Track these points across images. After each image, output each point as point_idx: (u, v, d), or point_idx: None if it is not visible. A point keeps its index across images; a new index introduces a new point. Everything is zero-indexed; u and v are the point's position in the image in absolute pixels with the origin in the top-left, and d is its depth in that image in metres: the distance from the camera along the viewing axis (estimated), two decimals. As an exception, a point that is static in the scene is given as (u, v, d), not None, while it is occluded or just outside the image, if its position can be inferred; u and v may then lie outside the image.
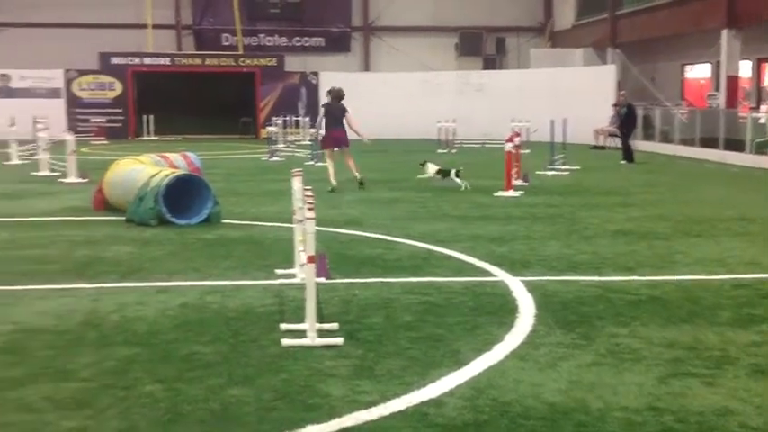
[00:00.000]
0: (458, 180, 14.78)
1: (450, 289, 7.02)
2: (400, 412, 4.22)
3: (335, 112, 14.71)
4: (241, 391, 4.51)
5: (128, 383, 4.62)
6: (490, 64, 37.64)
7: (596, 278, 7.44)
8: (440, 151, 25.35)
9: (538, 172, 17.47)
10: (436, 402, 4.37)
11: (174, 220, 10.53)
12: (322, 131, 15.07)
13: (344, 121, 14.72)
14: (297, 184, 7.05)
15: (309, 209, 5.41)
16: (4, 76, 33.98)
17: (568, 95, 28.67)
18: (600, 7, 32.81)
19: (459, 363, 5.02)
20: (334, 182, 14.37)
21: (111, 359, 5.07)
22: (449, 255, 8.61)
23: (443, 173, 15.12)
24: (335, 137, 14.76)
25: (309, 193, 5.59)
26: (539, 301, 6.57)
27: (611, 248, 8.98)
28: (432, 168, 15.34)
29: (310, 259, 5.38)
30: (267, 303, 6.51)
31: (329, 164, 14.79)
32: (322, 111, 15.15)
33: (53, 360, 5.05)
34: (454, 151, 25.59)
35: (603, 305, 6.44)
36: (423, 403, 4.35)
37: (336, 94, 14.85)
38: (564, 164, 18.77)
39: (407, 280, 7.36)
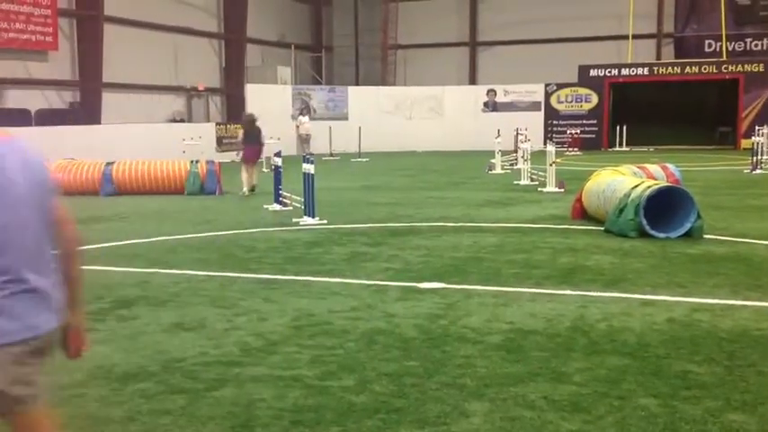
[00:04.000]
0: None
1: None
2: None
3: (255, 132, 17.86)
4: (741, 418, 4.24)
5: (621, 394, 4.63)
6: None
7: None
8: None
9: None
10: None
11: (653, 232, 10.36)
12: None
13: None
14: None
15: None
16: (490, 91, 36.85)
17: None
18: None
19: None
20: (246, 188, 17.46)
21: (602, 367, 5.13)
22: None
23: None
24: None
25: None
26: None
27: None
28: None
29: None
30: (763, 327, 6.04)
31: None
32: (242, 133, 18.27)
33: (547, 361, 5.28)
34: None
35: None
36: None
37: (252, 119, 17.98)
38: None
39: None
